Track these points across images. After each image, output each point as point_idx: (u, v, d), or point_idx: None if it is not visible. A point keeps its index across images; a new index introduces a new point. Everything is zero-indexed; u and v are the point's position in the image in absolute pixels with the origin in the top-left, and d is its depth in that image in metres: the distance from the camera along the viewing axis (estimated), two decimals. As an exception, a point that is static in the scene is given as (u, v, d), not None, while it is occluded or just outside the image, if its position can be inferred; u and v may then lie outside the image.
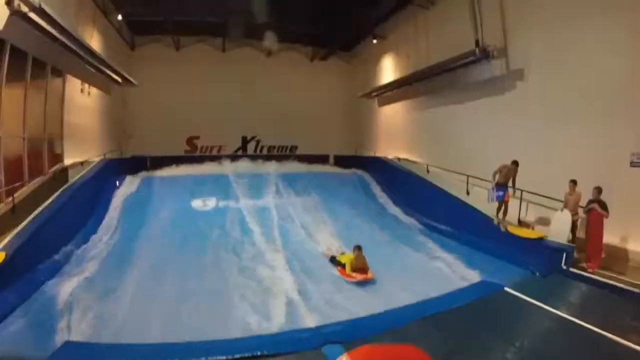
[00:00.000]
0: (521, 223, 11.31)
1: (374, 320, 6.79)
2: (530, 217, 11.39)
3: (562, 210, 9.78)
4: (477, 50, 12.77)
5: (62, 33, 10.47)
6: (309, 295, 8.09)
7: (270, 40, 19.42)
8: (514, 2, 12.50)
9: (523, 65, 12.23)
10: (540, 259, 9.53)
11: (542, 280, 8.96)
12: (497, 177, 10.72)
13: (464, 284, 8.74)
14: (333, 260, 10.14)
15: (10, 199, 9.14)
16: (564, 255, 9.18)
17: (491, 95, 13.58)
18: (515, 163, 10.65)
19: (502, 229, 10.87)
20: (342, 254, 10.28)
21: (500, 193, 10.70)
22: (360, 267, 9.23)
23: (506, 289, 8.14)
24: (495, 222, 11.18)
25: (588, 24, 10.11)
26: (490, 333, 6.35)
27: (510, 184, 10.83)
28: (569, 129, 10.72)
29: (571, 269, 9.05)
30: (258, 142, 25.84)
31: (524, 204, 11.30)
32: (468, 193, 13.30)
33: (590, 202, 9.10)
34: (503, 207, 10.94)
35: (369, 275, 9.08)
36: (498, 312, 7.24)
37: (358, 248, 9.49)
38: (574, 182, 9.63)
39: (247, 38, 22.53)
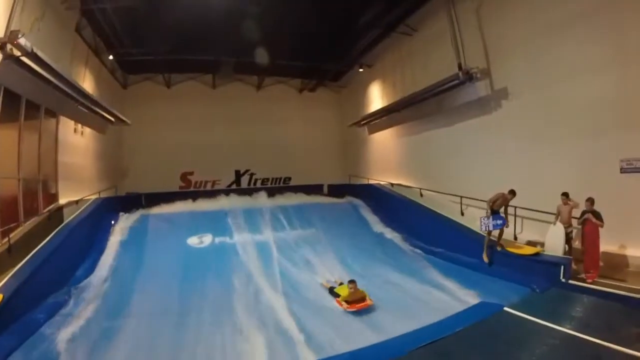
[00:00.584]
0: (524, 242, 11.25)
1: (373, 351, 6.67)
2: (528, 234, 11.38)
3: (554, 223, 9.87)
4: (460, 73, 13.11)
5: (55, 76, 10.69)
6: (308, 328, 7.98)
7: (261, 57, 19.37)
8: (494, 23, 12.92)
9: (507, 84, 12.55)
10: (538, 275, 9.50)
11: (541, 296, 8.84)
12: (492, 205, 10.53)
13: (463, 306, 8.61)
14: (332, 291, 10.04)
15: (6, 239, 9.09)
16: (562, 269, 9.13)
17: (478, 115, 13.87)
18: (513, 192, 10.50)
19: (498, 247, 10.75)
20: (340, 284, 10.19)
21: (500, 221, 10.44)
22: (358, 299, 9.11)
23: (506, 308, 7.98)
24: (486, 259, 10.90)
25: (568, 41, 10.48)
26: (492, 356, 6.24)
27: (503, 211, 10.75)
28: (557, 142, 10.98)
29: (570, 282, 8.99)
30: (252, 175, 25.98)
31: (518, 221, 11.35)
32: (462, 214, 13.34)
33: (584, 212, 9.16)
34: (498, 230, 10.72)
35: (368, 302, 9.01)
36: (499, 333, 7.04)
37: (352, 282, 9.34)
38: (565, 195, 9.74)
39: (237, 74, 23.04)
